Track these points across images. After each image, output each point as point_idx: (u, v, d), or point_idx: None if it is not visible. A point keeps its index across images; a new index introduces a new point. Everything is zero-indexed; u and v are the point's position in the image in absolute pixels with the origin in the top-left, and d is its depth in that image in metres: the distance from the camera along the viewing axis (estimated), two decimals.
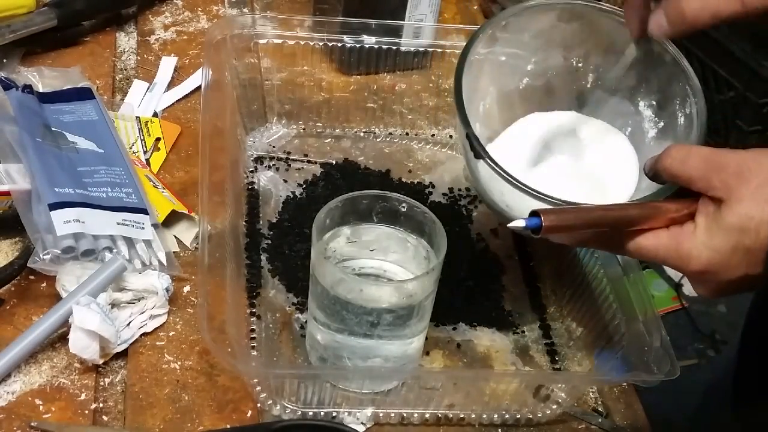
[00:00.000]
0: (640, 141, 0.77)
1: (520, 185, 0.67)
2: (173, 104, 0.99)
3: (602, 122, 0.79)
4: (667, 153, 0.63)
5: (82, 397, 0.71)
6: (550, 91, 0.80)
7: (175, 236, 0.84)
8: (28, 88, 0.90)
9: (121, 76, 1.02)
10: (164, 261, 0.80)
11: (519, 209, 0.67)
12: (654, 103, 0.77)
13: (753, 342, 1.01)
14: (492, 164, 0.68)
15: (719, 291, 0.62)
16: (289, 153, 0.96)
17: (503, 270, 0.87)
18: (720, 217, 0.59)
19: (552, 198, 0.66)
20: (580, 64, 0.79)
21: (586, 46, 0.78)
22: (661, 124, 0.76)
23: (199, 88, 0.99)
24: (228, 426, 0.71)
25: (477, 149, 0.68)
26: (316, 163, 0.95)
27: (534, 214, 0.61)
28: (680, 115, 0.74)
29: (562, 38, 0.78)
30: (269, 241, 0.85)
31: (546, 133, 0.78)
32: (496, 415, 0.74)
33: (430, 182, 0.95)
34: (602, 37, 0.77)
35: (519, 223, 0.61)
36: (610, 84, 0.78)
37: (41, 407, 0.70)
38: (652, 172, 0.65)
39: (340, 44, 0.96)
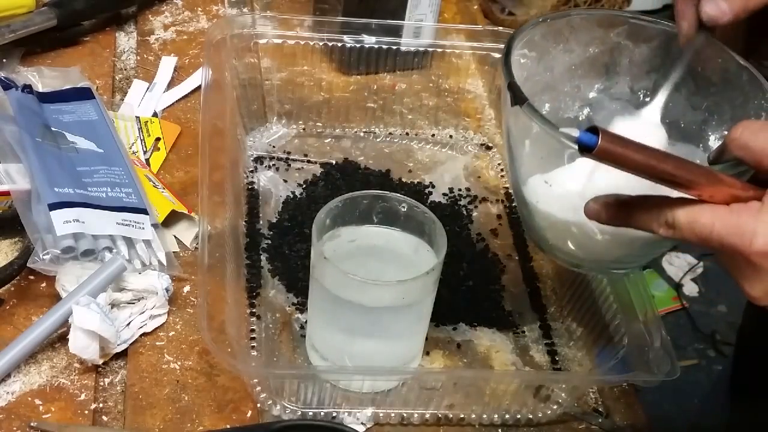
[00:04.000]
0: None
1: (563, 133, 0.59)
2: (173, 104, 0.99)
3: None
4: (738, 124, 0.55)
5: (82, 397, 0.71)
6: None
7: (174, 236, 0.84)
8: (27, 88, 0.90)
9: (120, 75, 1.02)
10: (164, 261, 0.80)
11: (559, 181, 0.63)
12: (726, 133, 0.70)
13: (748, 343, 1.01)
14: (532, 110, 0.61)
15: None
16: (289, 153, 0.96)
17: (503, 270, 0.87)
18: None
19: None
20: (647, 99, 0.73)
21: (655, 76, 0.73)
22: None
23: (198, 88, 0.99)
24: (228, 426, 0.71)
25: (518, 96, 0.62)
26: (316, 163, 0.95)
27: (592, 130, 0.52)
28: None
29: (629, 61, 0.73)
30: (269, 241, 0.85)
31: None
32: (496, 415, 0.74)
33: (430, 182, 0.95)
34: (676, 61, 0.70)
35: (572, 133, 0.54)
36: (676, 116, 0.72)
37: (41, 407, 0.70)
38: (717, 150, 0.58)
39: (340, 44, 0.96)
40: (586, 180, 0.62)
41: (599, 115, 0.74)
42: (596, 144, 0.51)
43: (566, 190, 0.64)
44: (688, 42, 0.67)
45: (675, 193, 0.55)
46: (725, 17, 0.64)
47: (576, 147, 0.52)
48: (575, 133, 0.54)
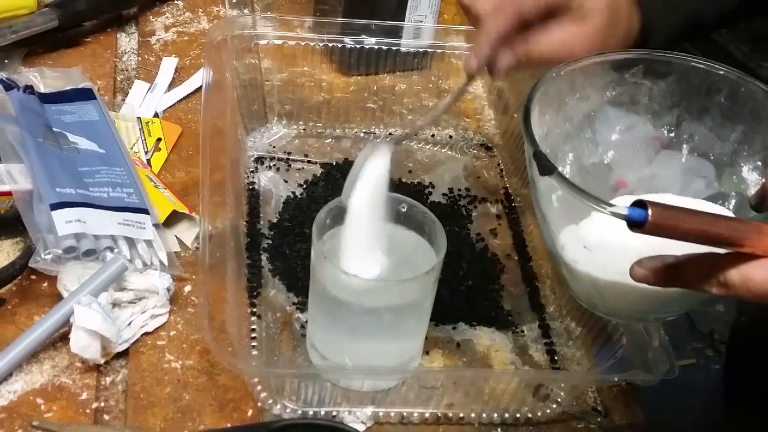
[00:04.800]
0: (746, 214, 0.65)
1: (601, 202, 0.56)
2: (174, 105, 0.99)
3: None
4: None
5: (84, 396, 0.71)
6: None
7: (176, 236, 0.84)
8: (29, 89, 0.90)
9: (122, 76, 1.02)
10: (165, 261, 0.80)
11: (598, 242, 0.62)
12: (760, 163, 0.68)
13: (739, 344, 1.01)
14: (564, 180, 0.59)
15: None
16: (289, 153, 0.96)
17: (502, 270, 0.87)
18: None
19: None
20: (672, 134, 0.72)
21: (677, 111, 0.71)
22: None
23: (199, 88, 0.99)
24: (229, 425, 0.71)
25: (545, 165, 0.60)
26: (316, 163, 0.95)
27: (640, 204, 0.51)
28: None
29: (648, 100, 0.71)
30: (270, 241, 0.85)
31: None
32: (495, 415, 0.74)
33: (430, 182, 0.95)
34: (696, 95, 0.69)
35: (621, 211, 0.52)
36: (704, 149, 0.70)
37: (42, 406, 0.70)
38: (759, 194, 0.56)
39: (340, 45, 0.97)
40: (626, 239, 0.58)
41: (623, 156, 0.73)
42: (647, 219, 0.50)
43: (607, 253, 0.62)
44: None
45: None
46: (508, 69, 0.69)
47: (624, 222, 0.51)
48: (622, 209, 0.52)
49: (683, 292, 0.60)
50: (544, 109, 0.69)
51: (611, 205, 0.54)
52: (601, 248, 0.63)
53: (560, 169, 0.61)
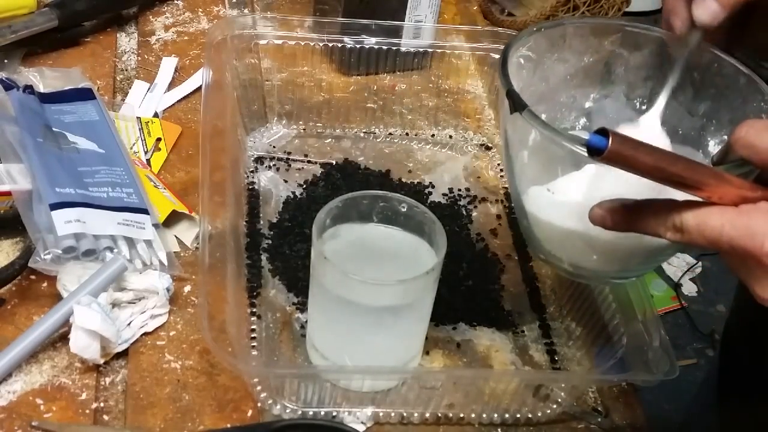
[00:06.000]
0: None
1: (569, 137, 0.58)
2: (174, 104, 0.99)
3: None
4: (743, 123, 0.54)
5: (83, 396, 0.71)
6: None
7: (175, 236, 0.84)
8: (29, 89, 0.90)
9: (121, 76, 1.02)
10: (165, 261, 0.80)
11: (562, 190, 0.63)
12: (726, 137, 0.68)
13: (732, 339, 1.01)
14: (533, 116, 0.61)
15: None
16: (289, 153, 0.96)
17: (503, 270, 0.87)
18: None
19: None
20: (644, 107, 0.72)
21: (651, 84, 0.71)
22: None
23: (199, 88, 0.99)
24: (228, 425, 0.71)
25: (517, 102, 0.61)
26: (316, 163, 0.95)
27: (601, 132, 0.50)
28: None
29: (624, 69, 0.72)
30: (269, 241, 0.85)
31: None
32: (495, 415, 0.74)
33: (430, 182, 0.95)
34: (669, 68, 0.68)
35: (582, 135, 0.53)
36: (674, 123, 0.70)
37: (42, 407, 0.70)
38: (721, 151, 0.57)
39: (340, 45, 0.97)
40: (589, 188, 0.62)
41: (596, 125, 0.73)
42: (606, 146, 0.50)
43: (569, 198, 0.64)
44: (682, 42, 0.66)
45: (680, 198, 0.55)
46: (717, 20, 0.63)
47: (585, 150, 0.51)
48: (583, 135, 0.53)
49: (638, 246, 0.61)
50: (522, 63, 0.69)
51: (574, 135, 0.54)
52: (564, 196, 0.64)
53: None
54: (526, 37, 0.70)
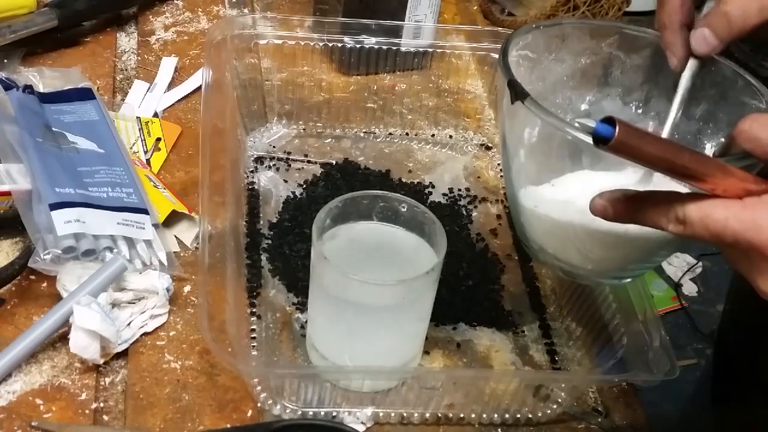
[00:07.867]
0: None
1: (574, 125, 0.57)
2: (174, 104, 0.99)
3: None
4: (747, 116, 0.53)
5: (83, 396, 0.71)
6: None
7: (175, 236, 0.84)
8: (28, 89, 0.90)
9: (121, 76, 1.02)
10: (165, 261, 0.80)
11: (563, 186, 0.62)
12: (723, 140, 0.68)
13: (726, 338, 1.01)
14: (536, 104, 0.60)
15: None
16: (289, 153, 0.96)
17: (503, 270, 0.87)
18: None
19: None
20: (639, 111, 0.73)
21: (647, 87, 0.72)
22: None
23: (199, 88, 0.99)
24: (228, 425, 0.71)
25: (519, 91, 0.61)
26: (316, 163, 0.95)
27: (608, 120, 0.49)
28: None
29: (621, 74, 0.72)
30: (269, 241, 0.85)
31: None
32: (495, 415, 0.74)
33: (430, 182, 0.95)
34: (665, 75, 0.68)
35: (589, 123, 0.51)
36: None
37: (42, 407, 0.70)
38: (723, 145, 0.56)
39: (340, 45, 0.97)
40: (588, 184, 0.60)
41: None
42: (613, 135, 0.48)
43: (568, 192, 0.63)
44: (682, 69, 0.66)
45: (683, 190, 0.54)
46: (716, 50, 0.62)
47: (590, 139, 0.50)
48: (590, 123, 0.52)
49: (637, 240, 0.60)
50: (520, 60, 0.69)
51: (579, 122, 0.53)
52: (563, 190, 0.63)
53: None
54: (525, 33, 0.69)
